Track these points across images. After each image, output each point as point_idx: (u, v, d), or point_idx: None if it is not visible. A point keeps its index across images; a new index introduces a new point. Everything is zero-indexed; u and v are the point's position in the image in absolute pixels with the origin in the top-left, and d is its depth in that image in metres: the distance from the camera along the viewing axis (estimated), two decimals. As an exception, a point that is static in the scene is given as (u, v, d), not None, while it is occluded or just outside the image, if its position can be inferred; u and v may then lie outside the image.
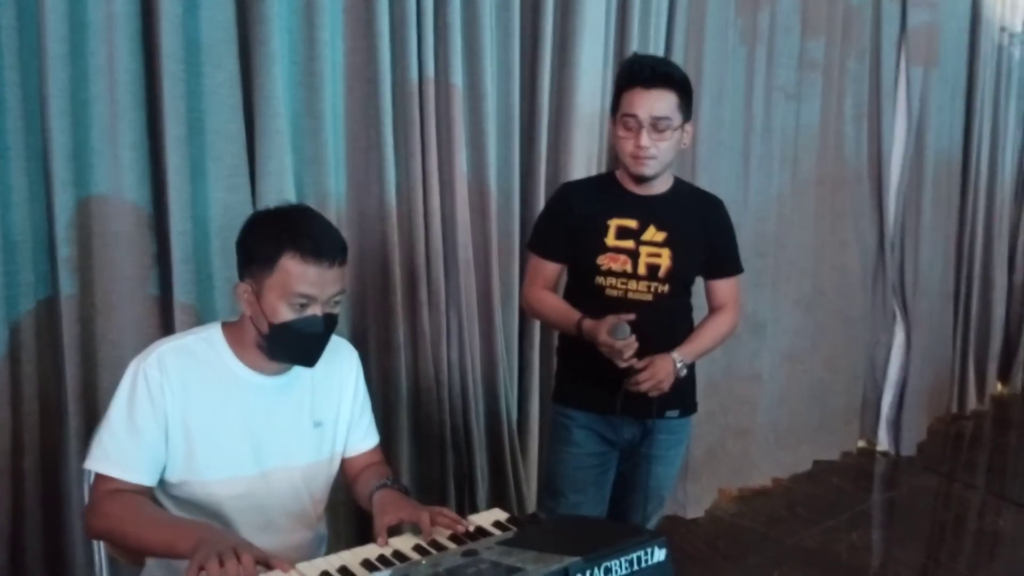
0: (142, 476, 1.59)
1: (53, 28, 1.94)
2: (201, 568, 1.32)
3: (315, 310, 1.60)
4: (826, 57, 4.00)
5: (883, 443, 4.66)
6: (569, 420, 2.32)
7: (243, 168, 2.24)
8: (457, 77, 2.62)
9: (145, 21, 2.08)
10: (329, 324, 1.64)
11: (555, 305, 2.26)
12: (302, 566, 1.45)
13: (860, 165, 4.35)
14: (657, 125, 2.08)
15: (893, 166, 4.44)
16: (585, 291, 2.23)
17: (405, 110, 2.54)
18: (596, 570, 1.29)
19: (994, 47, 4.91)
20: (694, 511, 3.68)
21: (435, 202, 2.63)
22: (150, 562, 1.71)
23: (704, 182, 3.47)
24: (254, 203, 2.25)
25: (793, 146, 3.95)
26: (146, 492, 1.61)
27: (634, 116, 2.09)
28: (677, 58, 3.33)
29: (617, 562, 1.31)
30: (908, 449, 4.55)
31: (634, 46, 3.09)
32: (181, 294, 2.15)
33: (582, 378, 2.30)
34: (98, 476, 1.59)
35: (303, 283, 1.57)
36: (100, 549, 1.71)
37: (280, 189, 2.27)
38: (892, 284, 4.54)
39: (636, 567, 1.33)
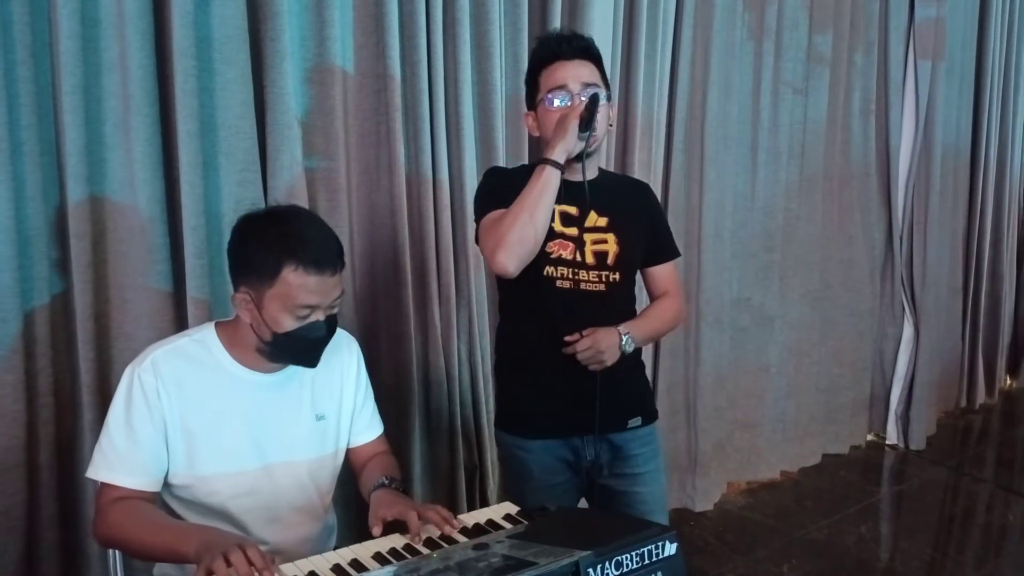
0: (144, 482, 1.59)
1: (65, 24, 1.96)
2: (210, 572, 1.31)
3: (317, 316, 1.60)
4: (834, 51, 3.99)
5: (892, 436, 4.65)
6: (524, 453, 2.08)
7: (255, 163, 2.25)
8: (466, 73, 2.62)
9: (157, 17, 2.10)
10: (331, 326, 1.65)
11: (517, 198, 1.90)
12: (314, 559, 1.47)
13: (868, 159, 4.34)
14: (589, 92, 1.92)
15: (901, 160, 4.43)
16: (531, 287, 1.98)
17: (415, 105, 2.55)
18: (607, 564, 1.29)
19: (1003, 40, 4.89)
20: (702, 504, 3.68)
21: (445, 197, 2.64)
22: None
23: (711, 177, 3.49)
24: (266, 198, 2.27)
25: (800, 140, 3.95)
26: (150, 498, 1.61)
27: (563, 87, 1.94)
28: (685, 53, 3.34)
29: (628, 556, 1.31)
30: (917, 443, 4.54)
31: (642, 42, 3.10)
32: (194, 288, 2.16)
33: (532, 397, 2.07)
34: (103, 485, 1.59)
35: (306, 294, 1.56)
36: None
37: (291, 184, 2.29)
38: (900, 278, 4.53)
39: (647, 561, 1.33)
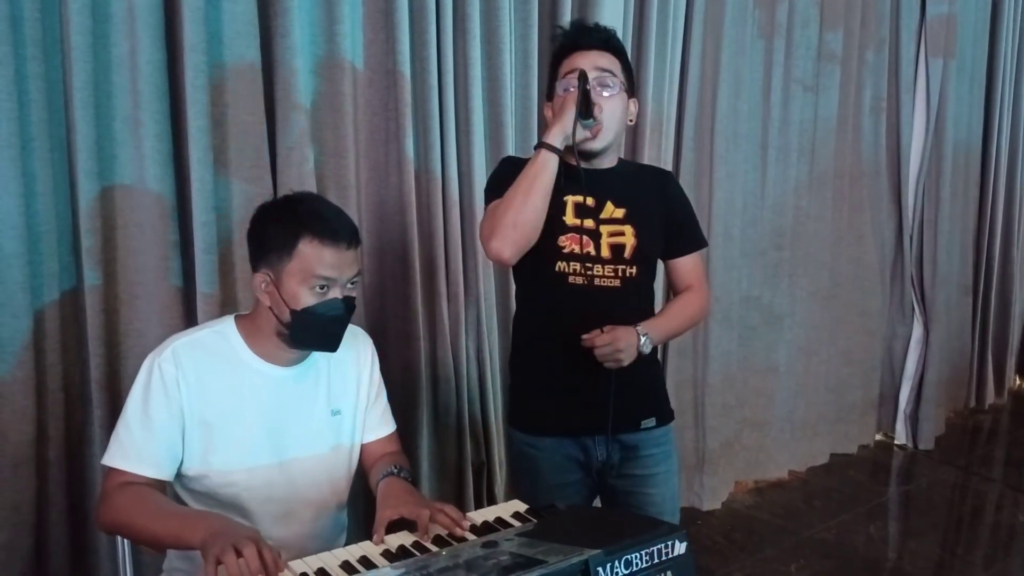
0: (156, 470, 1.60)
1: (76, 20, 1.97)
2: (219, 561, 1.30)
3: (335, 293, 1.62)
4: (844, 49, 3.97)
5: (900, 436, 4.64)
6: (534, 451, 2.03)
7: (264, 159, 2.25)
8: (476, 69, 2.62)
9: (167, 13, 2.10)
10: (348, 306, 1.65)
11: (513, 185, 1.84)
12: (323, 556, 1.46)
13: (878, 157, 4.32)
14: (603, 80, 1.89)
15: (911, 158, 4.41)
16: (543, 282, 1.95)
17: (424, 102, 2.55)
18: (616, 563, 1.28)
19: (1015, 38, 4.86)
20: (710, 503, 3.68)
21: (454, 194, 2.64)
22: (170, 551, 1.72)
23: (721, 174, 3.48)
24: (275, 194, 2.26)
25: (811, 138, 3.93)
26: (158, 486, 1.61)
27: (576, 71, 1.87)
28: (695, 50, 3.33)
29: (638, 555, 1.30)
30: (926, 442, 4.53)
31: (652, 39, 3.09)
32: (203, 284, 2.17)
33: (543, 394, 2.03)
34: (109, 470, 1.59)
35: (322, 265, 1.58)
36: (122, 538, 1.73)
37: (300, 180, 2.29)
38: (910, 277, 4.51)
39: (657, 560, 1.32)
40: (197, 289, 2.18)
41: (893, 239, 4.49)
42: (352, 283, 1.66)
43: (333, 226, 1.59)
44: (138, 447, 1.58)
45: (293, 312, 1.61)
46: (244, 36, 2.17)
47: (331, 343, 1.69)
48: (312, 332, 1.65)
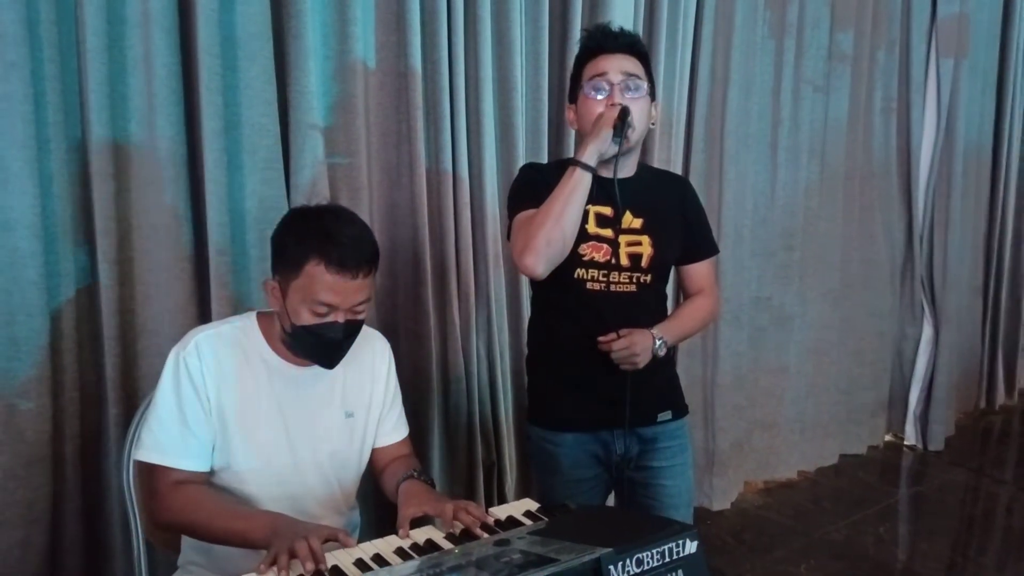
0: (197, 463, 1.63)
1: (91, 22, 1.98)
2: (293, 554, 1.37)
3: (336, 317, 1.61)
4: (855, 49, 3.97)
5: (910, 437, 4.63)
6: (554, 446, 2.07)
7: (278, 161, 2.26)
8: (487, 70, 2.63)
9: (181, 16, 2.12)
10: (350, 331, 1.65)
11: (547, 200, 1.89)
12: (337, 554, 1.47)
13: (889, 158, 4.31)
14: (629, 83, 1.93)
15: (922, 159, 4.39)
16: (561, 289, 1.98)
17: (436, 103, 2.56)
18: (628, 561, 1.29)
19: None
20: (720, 503, 3.68)
21: (465, 196, 2.65)
22: (186, 546, 1.75)
23: (731, 175, 3.48)
24: (288, 196, 2.28)
25: (821, 139, 3.93)
26: (206, 480, 1.65)
27: (603, 75, 1.93)
28: (705, 51, 3.33)
29: (649, 554, 1.31)
30: (936, 443, 4.52)
31: (662, 39, 3.09)
32: (218, 286, 2.18)
33: (562, 391, 2.07)
34: (158, 468, 1.62)
35: (326, 292, 1.58)
36: (137, 534, 1.74)
37: (314, 182, 2.30)
38: (920, 277, 4.50)
39: (668, 559, 1.33)
40: (211, 290, 2.19)
41: (903, 240, 4.48)
42: (358, 308, 1.64)
43: (343, 254, 1.57)
44: (176, 441, 1.62)
45: (292, 326, 1.62)
46: (258, 38, 2.18)
47: (327, 361, 1.70)
48: (308, 348, 1.67)
